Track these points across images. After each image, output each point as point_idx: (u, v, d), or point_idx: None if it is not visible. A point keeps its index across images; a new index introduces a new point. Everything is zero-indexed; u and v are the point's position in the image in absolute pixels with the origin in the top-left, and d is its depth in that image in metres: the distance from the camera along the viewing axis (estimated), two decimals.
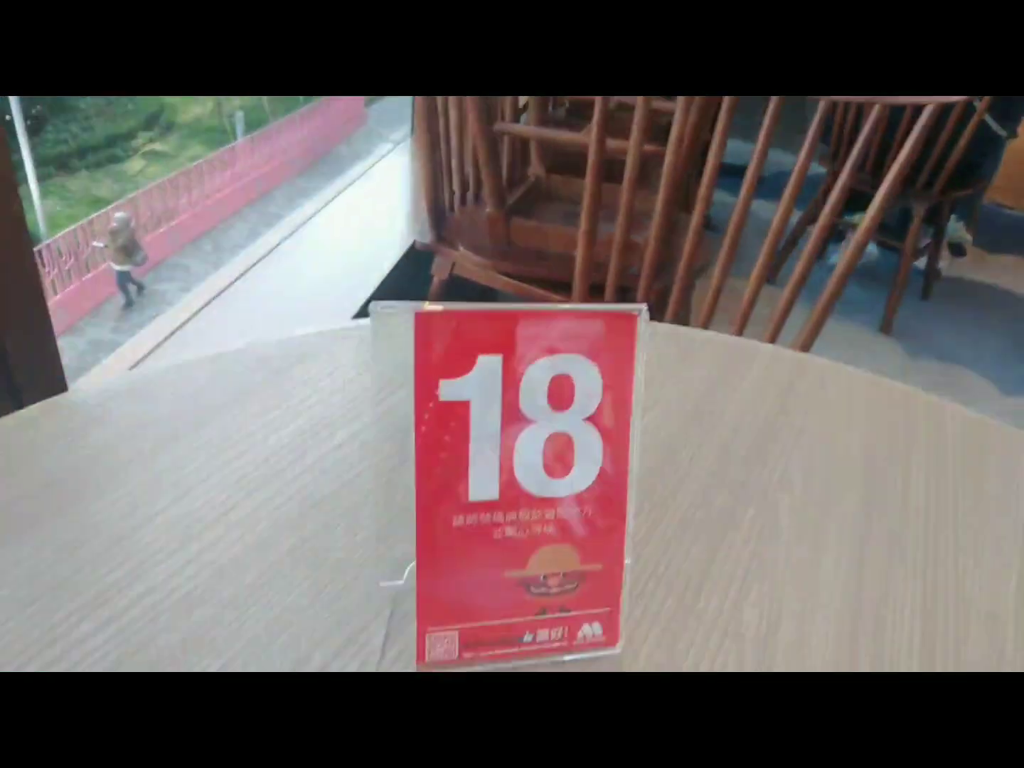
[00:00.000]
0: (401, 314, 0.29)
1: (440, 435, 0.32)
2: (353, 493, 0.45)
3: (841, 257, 1.05)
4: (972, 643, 0.40)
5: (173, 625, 0.36)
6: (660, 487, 0.49)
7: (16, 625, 0.36)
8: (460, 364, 0.31)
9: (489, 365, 0.31)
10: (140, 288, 2.28)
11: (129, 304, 2.27)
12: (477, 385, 0.32)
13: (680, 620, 0.40)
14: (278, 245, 2.09)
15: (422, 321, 0.30)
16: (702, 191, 1.09)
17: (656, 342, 0.64)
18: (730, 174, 1.30)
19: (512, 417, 0.33)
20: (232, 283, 1.91)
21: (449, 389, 0.31)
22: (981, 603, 0.42)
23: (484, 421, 0.33)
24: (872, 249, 2.69)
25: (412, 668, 0.35)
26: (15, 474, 0.44)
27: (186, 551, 0.40)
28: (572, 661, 0.37)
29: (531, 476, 0.34)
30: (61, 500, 0.43)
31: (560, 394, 0.33)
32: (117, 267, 2.32)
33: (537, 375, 0.32)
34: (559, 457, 0.34)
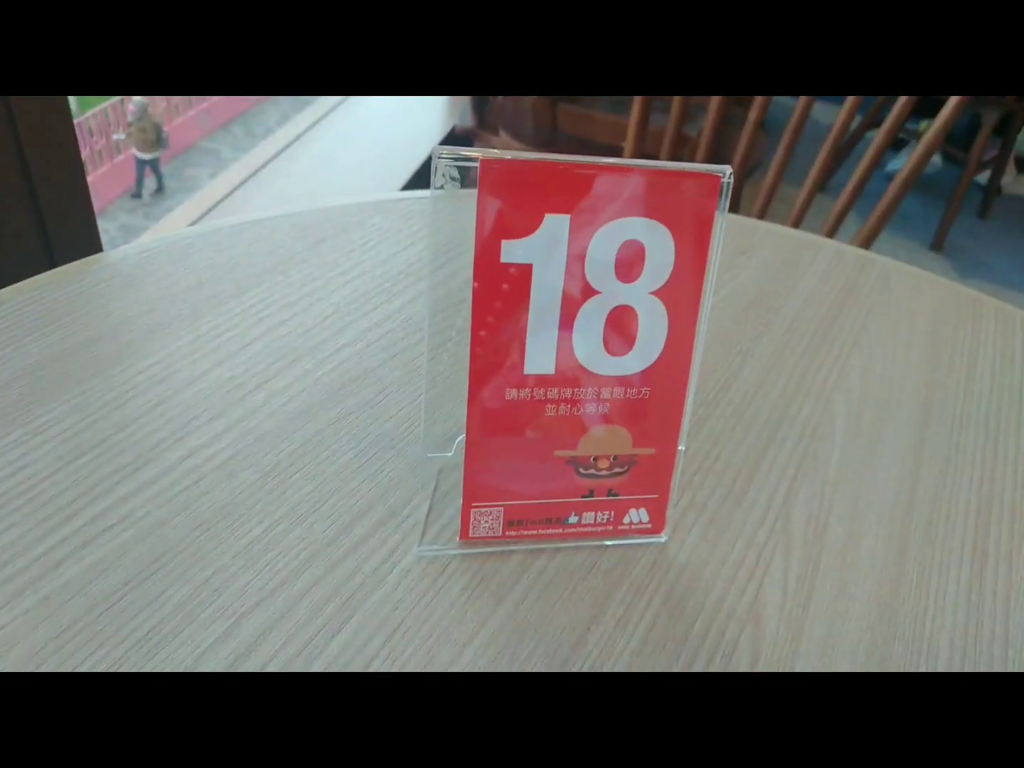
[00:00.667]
0: (465, 161, 0.27)
1: (499, 301, 0.30)
2: (396, 369, 0.44)
3: (908, 162, 0.98)
4: None
5: (215, 488, 0.36)
6: (713, 378, 0.47)
7: (62, 478, 0.35)
8: (525, 222, 0.29)
9: (556, 225, 0.29)
10: (159, 187, 2.19)
11: (137, 196, 2.21)
12: (541, 247, 0.29)
13: (727, 512, 0.39)
14: (311, 128, 2.03)
15: (488, 170, 0.27)
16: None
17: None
18: None
19: (576, 285, 0.31)
20: (263, 166, 1.86)
21: (512, 250, 0.29)
22: None
23: (546, 288, 0.30)
24: (935, 159, 2.55)
25: (455, 543, 0.34)
26: (54, 332, 0.43)
27: (227, 417, 0.39)
28: (615, 546, 0.36)
29: (590, 351, 0.32)
30: (101, 359, 0.42)
31: (629, 263, 0.31)
32: (140, 155, 2.25)
33: (606, 239, 0.30)
34: (621, 332, 0.32)
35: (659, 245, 0.31)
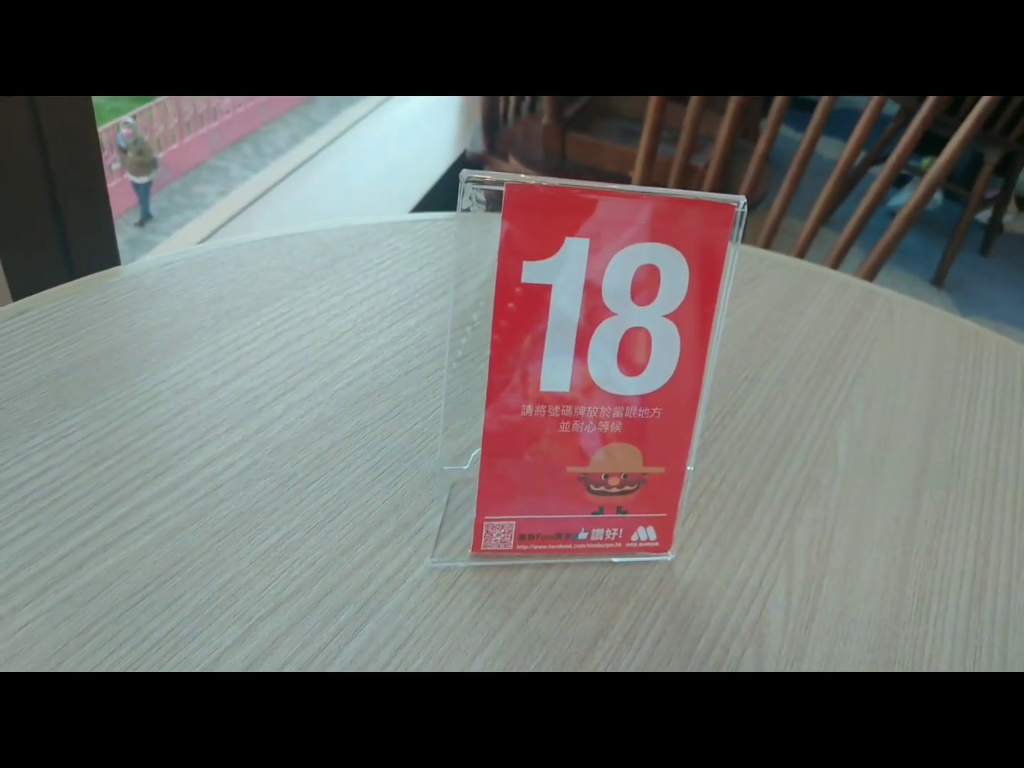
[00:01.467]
0: (490, 185, 0.28)
1: (518, 319, 0.31)
2: (412, 384, 0.45)
3: (911, 198, 1.00)
4: None
5: (233, 496, 0.37)
6: (720, 403, 0.48)
7: (84, 482, 0.36)
8: (545, 245, 0.30)
9: (575, 248, 0.30)
10: (144, 218, 2.15)
11: (140, 224, 2.19)
12: (561, 268, 0.31)
13: (732, 534, 0.39)
14: (322, 149, 2.05)
15: (512, 193, 0.28)
16: (771, 116, 1.04)
17: None
18: (797, 107, 1.24)
19: (593, 306, 0.32)
20: (273, 186, 1.88)
21: (532, 271, 0.30)
22: None
23: (564, 308, 0.32)
24: (936, 196, 2.58)
25: (467, 556, 0.35)
26: (77, 340, 0.45)
27: (246, 427, 0.40)
28: (623, 563, 0.37)
29: (604, 371, 0.33)
30: (124, 368, 0.43)
31: (644, 286, 0.32)
32: (134, 179, 2.25)
33: (623, 263, 0.31)
34: (635, 354, 0.33)
35: (673, 270, 0.32)
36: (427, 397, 0.44)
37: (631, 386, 0.34)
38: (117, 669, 0.29)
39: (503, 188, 0.28)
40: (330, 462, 0.39)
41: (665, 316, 0.33)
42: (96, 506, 0.35)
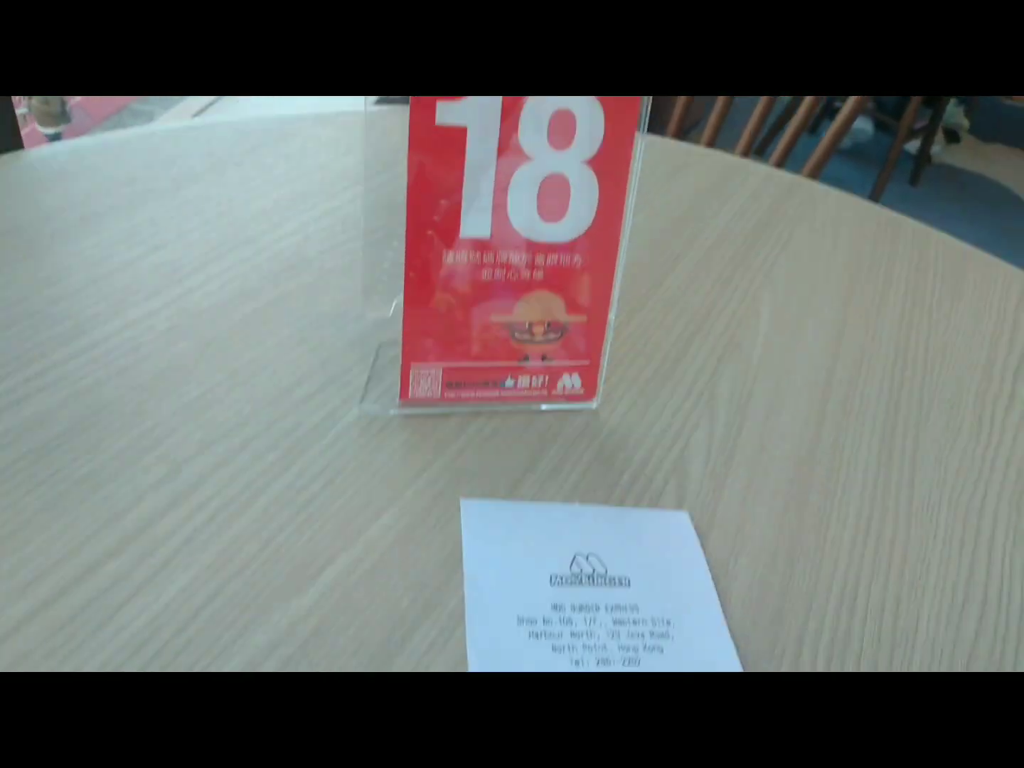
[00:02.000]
0: None
1: (434, 163, 0.31)
2: (336, 258, 0.44)
3: (837, 117, 1.02)
4: (931, 427, 0.41)
5: (155, 355, 0.36)
6: (644, 276, 0.48)
7: None
8: None
9: None
10: None
11: None
12: (476, 110, 0.30)
13: (656, 385, 0.40)
14: None
15: None
16: None
17: (652, 152, 0.62)
18: None
19: (509, 150, 0.32)
20: (202, 111, 1.81)
21: (446, 112, 0.30)
22: (943, 392, 0.43)
23: (480, 151, 0.31)
24: (867, 127, 2.63)
25: (396, 404, 0.35)
26: None
27: (165, 295, 0.39)
28: (550, 411, 0.38)
29: (524, 217, 0.33)
30: (31, 245, 0.41)
31: (561, 131, 0.32)
32: (43, 129, 2.11)
33: (540, 105, 0.31)
34: (555, 200, 0.33)
35: (590, 115, 0.32)
36: (351, 272, 0.44)
37: (552, 233, 0.34)
38: (32, 507, 0.28)
39: None
40: (254, 325, 0.38)
41: (583, 162, 0.33)
42: (6, 366, 0.34)
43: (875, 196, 2.37)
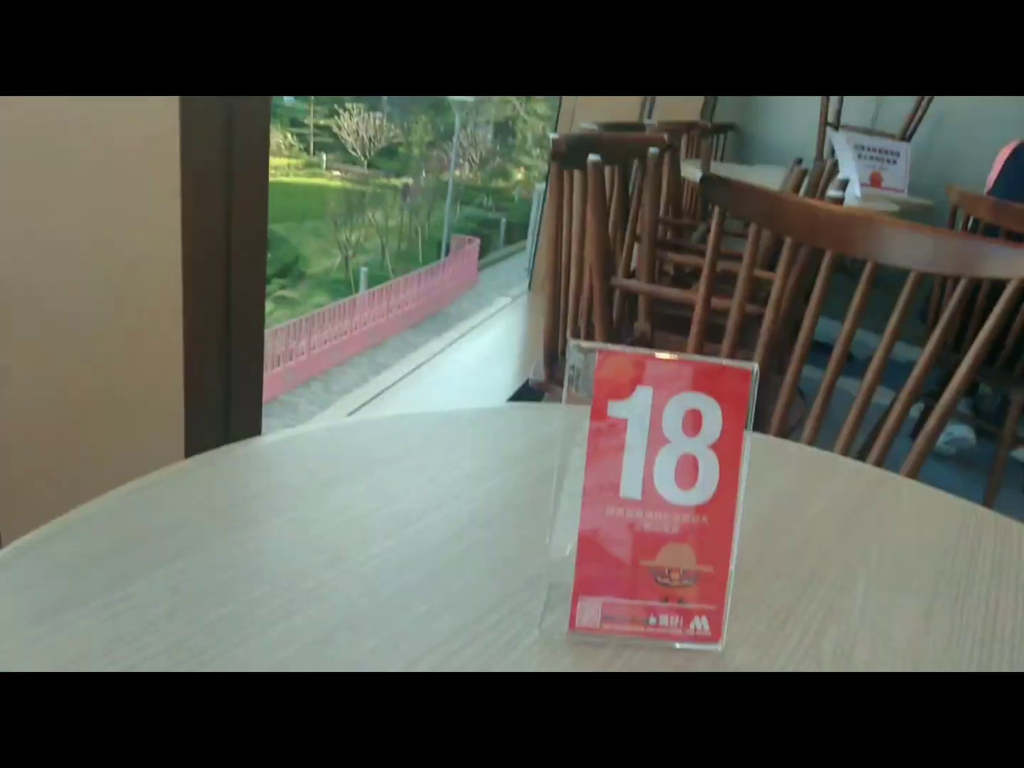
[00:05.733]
0: (591, 351, 0.43)
1: (606, 443, 0.45)
2: (514, 515, 0.57)
3: (931, 419, 1.11)
4: None
5: (378, 589, 0.48)
6: (752, 548, 0.59)
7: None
8: (624, 390, 0.44)
9: (644, 393, 0.44)
10: None
11: None
12: (634, 408, 0.45)
13: (768, 639, 0.49)
14: (390, 387, 2.29)
15: (604, 356, 0.44)
16: (797, 351, 1.21)
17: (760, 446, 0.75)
18: (820, 350, 1.40)
19: (656, 436, 0.45)
20: (349, 415, 2.10)
21: (616, 408, 0.45)
22: None
23: (636, 437, 0.45)
24: (969, 435, 2.69)
25: (564, 631, 0.46)
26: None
27: (398, 536, 0.53)
28: (683, 650, 0.47)
29: (665, 484, 0.46)
30: (299, 498, 0.57)
31: (692, 423, 0.46)
32: None
33: (676, 406, 0.45)
34: (687, 473, 0.46)
35: (711, 412, 0.46)
36: (523, 525, 0.56)
37: (685, 498, 0.46)
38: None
39: (597, 353, 0.44)
40: (446, 571, 0.51)
41: (708, 446, 0.46)
42: (282, 581, 0.47)
43: (986, 506, 2.37)
